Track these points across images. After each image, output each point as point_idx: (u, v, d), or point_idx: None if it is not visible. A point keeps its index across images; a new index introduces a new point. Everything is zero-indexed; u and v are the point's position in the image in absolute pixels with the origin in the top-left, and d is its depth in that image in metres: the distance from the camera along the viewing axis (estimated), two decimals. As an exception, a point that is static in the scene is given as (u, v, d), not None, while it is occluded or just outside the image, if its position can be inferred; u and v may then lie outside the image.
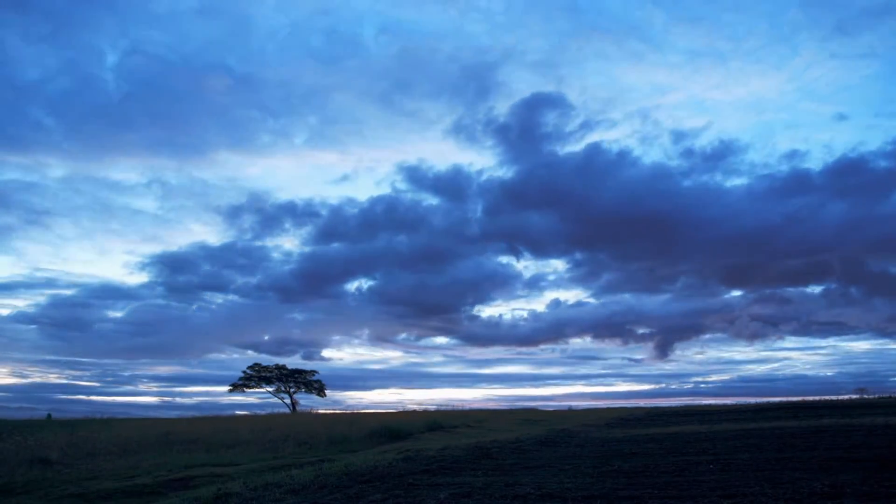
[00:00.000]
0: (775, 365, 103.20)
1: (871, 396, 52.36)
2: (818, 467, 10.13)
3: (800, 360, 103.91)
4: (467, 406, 54.85)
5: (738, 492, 8.14)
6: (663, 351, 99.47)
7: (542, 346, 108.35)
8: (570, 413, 47.72)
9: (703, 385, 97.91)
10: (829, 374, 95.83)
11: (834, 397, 53.58)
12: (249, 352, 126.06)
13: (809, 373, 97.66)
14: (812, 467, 10.17)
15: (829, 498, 7.51)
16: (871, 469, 9.64)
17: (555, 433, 22.41)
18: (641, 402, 71.32)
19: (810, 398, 54.30)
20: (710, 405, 57.15)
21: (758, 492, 8.05)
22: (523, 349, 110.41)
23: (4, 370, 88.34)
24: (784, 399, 58.23)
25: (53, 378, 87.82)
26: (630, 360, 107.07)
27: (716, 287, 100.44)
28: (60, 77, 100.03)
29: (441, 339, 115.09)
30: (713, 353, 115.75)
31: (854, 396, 54.48)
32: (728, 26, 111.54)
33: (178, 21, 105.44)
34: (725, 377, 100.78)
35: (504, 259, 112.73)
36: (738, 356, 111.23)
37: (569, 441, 18.88)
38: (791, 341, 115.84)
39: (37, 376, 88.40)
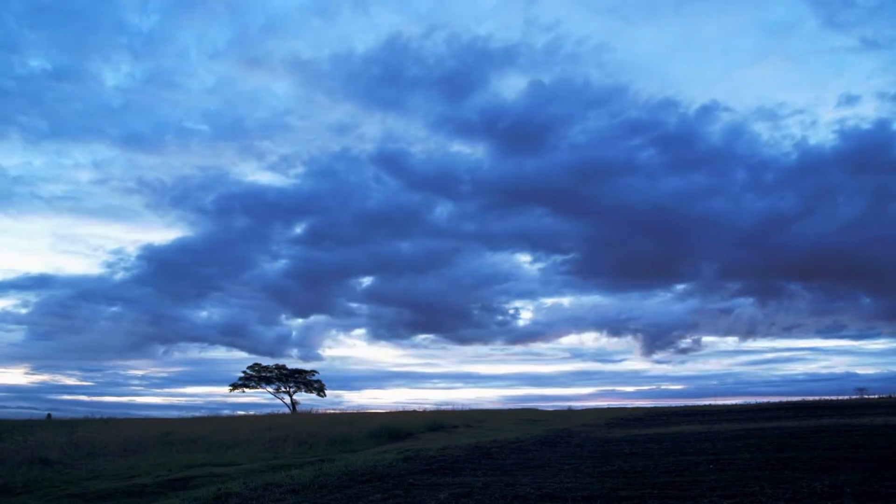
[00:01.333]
0: (807, 364, 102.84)
1: (871, 396, 52.34)
2: (818, 467, 10.13)
3: (814, 358, 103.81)
4: (467, 406, 54.76)
5: (738, 492, 8.13)
6: (666, 350, 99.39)
7: (542, 346, 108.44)
8: (570, 413, 47.70)
9: (708, 385, 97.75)
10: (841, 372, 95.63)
11: (834, 397, 53.60)
12: (244, 353, 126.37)
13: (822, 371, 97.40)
14: (812, 467, 10.16)
15: (829, 498, 7.51)
16: (871, 469, 9.64)
17: (555, 433, 22.41)
18: (644, 403, 71.08)
19: (811, 398, 54.29)
20: (710, 405, 57.02)
21: (758, 492, 8.05)
22: (523, 348, 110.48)
23: (5, 370, 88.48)
24: (784, 399, 58.08)
25: (54, 378, 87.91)
26: (632, 358, 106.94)
27: (724, 285, 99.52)
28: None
29: (440, 339, 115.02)
30: (717, 352, 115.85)
31: (854, 396, 54.47)
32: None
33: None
34: (738, 378, 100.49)
35: (505, 257, 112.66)
36: (742, 355, 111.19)
37: (569, 441, 18.88)
38: (799, 341, 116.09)
39: (37, 376, 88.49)
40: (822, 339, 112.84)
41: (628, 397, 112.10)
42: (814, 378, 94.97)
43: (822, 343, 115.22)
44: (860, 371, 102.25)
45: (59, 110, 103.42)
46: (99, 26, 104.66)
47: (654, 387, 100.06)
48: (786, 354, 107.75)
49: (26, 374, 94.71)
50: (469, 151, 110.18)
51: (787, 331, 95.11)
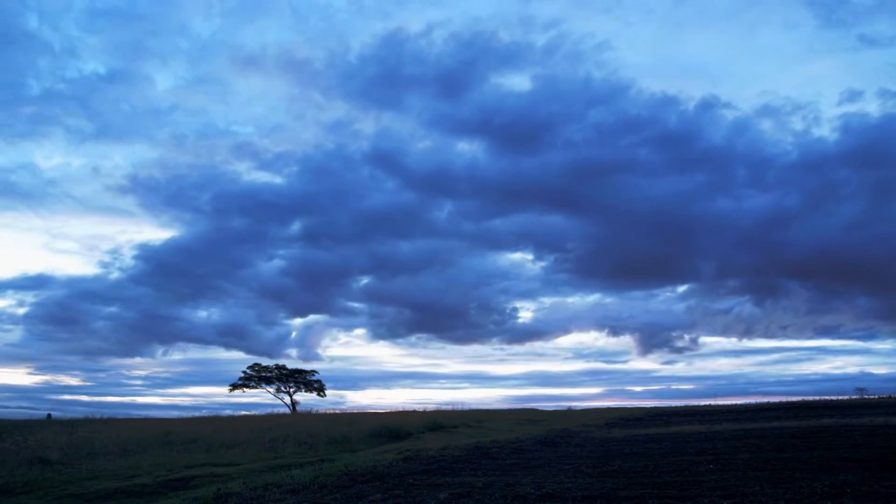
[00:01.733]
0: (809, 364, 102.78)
1: (871, 396, 52.32)
2: (818, 467, 10.13)
3: (817, 359, 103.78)
4: (474, 406, 54.62)
5: (738, 492, 8.13)
6: (662, 349, 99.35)
7: (544, 345, 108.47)
8: (570, 413, 47.66)
9: (709, 385, 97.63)
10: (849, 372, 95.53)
11: (834, 397, 53.55)
12: (243, 353, 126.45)
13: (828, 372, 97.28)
14: (812, 467, 10.16)
15: (829, 498, 7.51)
16: (871, 469, 9.64)
17: (555, 433, 22.41)
18: (653, 403, 70.76)
19: (810, 398, 54.24)
20: (710, 405, 56.99)
21: (758, 492, 8.05)
22: (526, 348, 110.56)
23: (6, 370, 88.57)
24: (791, 399, 57.92)
25: (55, 378, 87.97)
26: (637, 358, 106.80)
27: (724, 283, 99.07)
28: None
29: (442, 338, 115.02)
30: (726, 351, 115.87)
31: (854, 396, 54.44)
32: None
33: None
34: (740, 378, 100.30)
35: (505, 256, 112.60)
36: (752, 355, 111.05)
37: (569, 441, 18.87)
38: (808, 341, 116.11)
39: (39, 376, 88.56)
40: (830, 339, 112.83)
41: (637, 397, 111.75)
42: (826, 378, 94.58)
43: (830, 343, 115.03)
44: (875, 371, 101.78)
45: (105, 112, 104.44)
46: (161, 30, 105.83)
47: (663, 387, 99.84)
48: (794, 355, 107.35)
49: (29, 374, 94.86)
50: (467, 149, 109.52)
51: (784, 329, 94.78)
